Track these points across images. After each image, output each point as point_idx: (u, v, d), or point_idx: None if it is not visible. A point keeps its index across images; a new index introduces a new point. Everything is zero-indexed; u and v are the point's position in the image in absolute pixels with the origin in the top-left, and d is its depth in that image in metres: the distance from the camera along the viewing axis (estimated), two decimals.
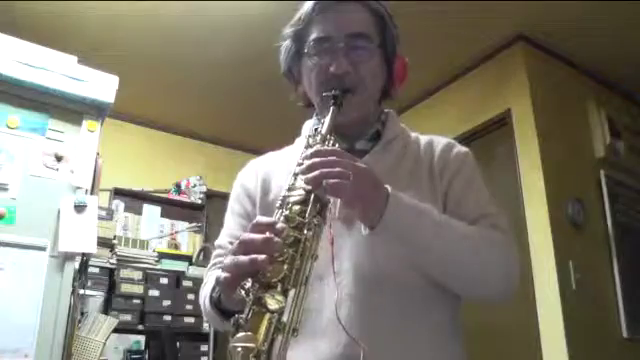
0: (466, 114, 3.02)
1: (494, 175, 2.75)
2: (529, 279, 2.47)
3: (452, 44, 2.88)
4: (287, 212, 0.66)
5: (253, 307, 0.58)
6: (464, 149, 0.95)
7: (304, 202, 0.67)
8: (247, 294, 0.60)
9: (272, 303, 0.57)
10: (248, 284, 0.61)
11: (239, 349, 0.54)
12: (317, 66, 0.88)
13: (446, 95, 3.25)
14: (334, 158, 0.68)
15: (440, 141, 0.95)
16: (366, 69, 0.87)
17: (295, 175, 0.71)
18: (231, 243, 0.94)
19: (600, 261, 2.70)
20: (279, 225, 0.63)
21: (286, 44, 0.95)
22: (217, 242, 0.97)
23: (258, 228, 0.64)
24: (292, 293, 0.60)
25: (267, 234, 0.62)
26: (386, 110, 1.00)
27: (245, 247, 0.62)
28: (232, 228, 0.96)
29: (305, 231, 0.64)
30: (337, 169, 0.67)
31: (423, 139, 0.97)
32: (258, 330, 0.56)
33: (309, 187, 0.67)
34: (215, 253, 0.96)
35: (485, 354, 2.35)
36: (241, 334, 0.55)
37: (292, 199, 0.68)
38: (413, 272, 0.80)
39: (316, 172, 0.67)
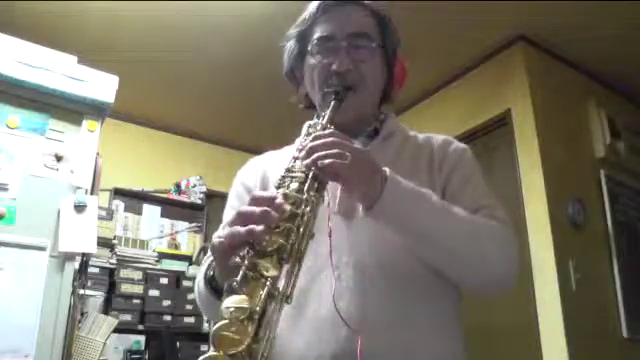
0: (466, 114, 3.02)
1: (494, 175, 2.74)
2: (529, 279, 2.47)
3: (452, 44, 2.88)
4: (285, 189, 0.67)
5: (247, 272, 0.58)
6: (462, 145, 0.96)
7: (302, 181, 0.68)
8: (242, 260, 0.60)
9: (267, 270, 0.57)
10: (243, 252, 0.61)
11: (232, 309, 0.53)
12: (319, 64, 0.90)
13: (446, 95, 3.25)
14: (332, 139, 0.70)
15: (438, 137, 0.97)
16: (367, 68, 0.89)
17: (295, 159, 0.73)
18: None
19: (600, 261, 2.70)
20: (277, 200, 0.64)
21: (289, 45, 0.97)
22: (215, 235, 0.98)
23: (256, 202, 0.65)
24: (287, 266, 0.60)
25: (265, 207, 0.63)
26: (385, 112, 1.01)
27: (243, 218, 0.63)
28: None
29: (303, 207, 0.65)
30: (335, 150, 0.68)
31: (421, 136, 0.98)
32: (251, 293, 0.56)
33: (307, 169, 0.69)
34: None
35: (485, 354, 2.35)
36: (234, 296, 0.55)
37: (291, 179, 0.69)
38: (413, 265, 0.80)
39: (314, 155, 0.68)
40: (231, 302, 0.54)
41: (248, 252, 0.61)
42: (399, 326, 0.77)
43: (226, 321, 0.53)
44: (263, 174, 0.97)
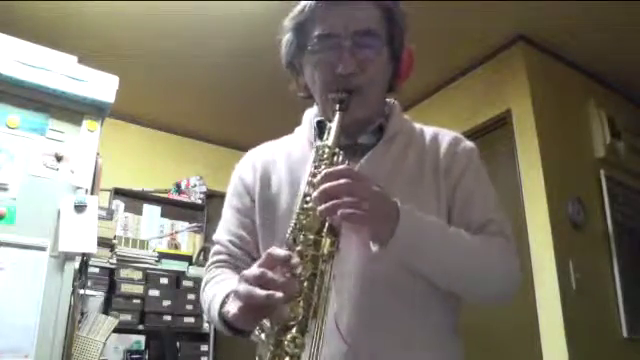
0: (466, 114, 3.02)
1: (494, 175, 2.71)
2: (529, 279, 2.47)
3: (452, 44, 2.88)
4: (300, 246, 0.65)
5: (274, 351, 0.58)
6: (470, 144, 0.94)
7: (318, 231, 0.66)
8: (267, 338, 0.60)
9: (292, 346, 0.57)
10: (265, 326, 0.61)
11: None
12: (322, 64, 0.84)
13: (446, 95, 3.25)
14: (346, 181, 0.66)
15: (445, 135, 0.93)
16: (373, 69, 0.84)
17: (305, 196, 0.70)
18: (230, 241, 0.93)
19: (600, 261, 2.70)
20: (294, 261, 0.62)
21: (287, 37, 0.91)
22: (215, 237, 0.96)
23: (272, 263, 0.62)
24: (311, 328, 0.60)
25: (288, 278, 0.61)
26: (388, 100, 0.97)
27: (263, 283, 0.61)
28: (231, 224, 0.95)
29: (320, 264, 0.63)
30: (351, 199, 0.65)
31: (428, 132, 0.95)
32: None
33: (322, 216, 0.66)
34: (214, 250, 0.96)
35: (485, 354, 2.35)
36: None
37: (305, 226, 0.66)
38: (415, 278, 0.79)
39: (329, 204, 0.65)
40: None
41: (272, 326, 0.60)
42: (400, 338, 0.77)
43: None
44: (263, 171, 0.94)
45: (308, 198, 0.69)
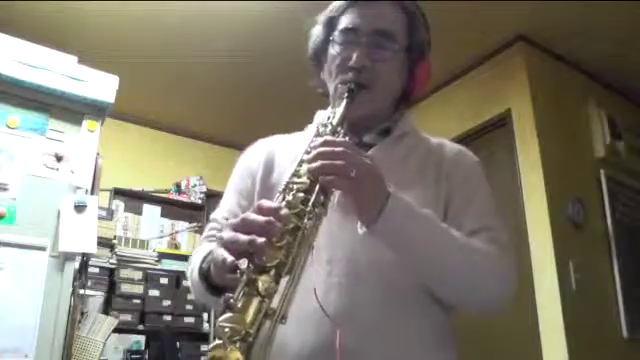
0: (466, 114, 3.02)
1: (494, 175, 2.73)
2: (529, 279, 2.47)
3: (452, 44, 2.87)
4: (290, 198, 0.66)
5: (245, 288, 0.58)
6: (475, 158, 0.95)
7: (308, 190, 0.67)
8: (241, 275, 0.59)
9: (264, 287, 0.57)
10: (243, 265, 0.61)
11: (227, 329, 0.54)
12: (339, 55, 0.89)
13: (446, 95, 3.25)
14: (341, 149, 0.68)
15: (452, 146, 0.96)
16: (384, 69, 0.88)
17: (301, 162, 0.71)
18: (226, 218, 0.94)
19: (600, 261, 2.70)
20: (283, 211, 0.63)
21: (316, 29, 0.97)
22: (212, 215, 0.98)
23: (262, 211, 0.63)
24: (285, 280, 0.60)
25: (270, 218, 0.61)
26: (402, 112, 0.99)
27: (246, 226, 0.62)
28: (230, 203, 0.97)
29: (305, 220, 0.64)
30: (341, 162, 0.67)
31: (434, 140, 0.97)
32: (247, 312, 0.56)
33: (313, 176, 0.67)
34: (209, 226, 0.97)
35: (485, 354, 2.35)
36: (230, 314, 0.55)
37: (297, 186, 0.68)
38: (406, 269, 0.79)
39: (320, 162, 0.67)
40: (227, 321, 0.54)
41: (248, 266, 0.60)
42: (385, 327, 0.77)
43: (220, 342, 0.53)
44: (268, 158, 0.97)
45: (303, 164, 0.70)
